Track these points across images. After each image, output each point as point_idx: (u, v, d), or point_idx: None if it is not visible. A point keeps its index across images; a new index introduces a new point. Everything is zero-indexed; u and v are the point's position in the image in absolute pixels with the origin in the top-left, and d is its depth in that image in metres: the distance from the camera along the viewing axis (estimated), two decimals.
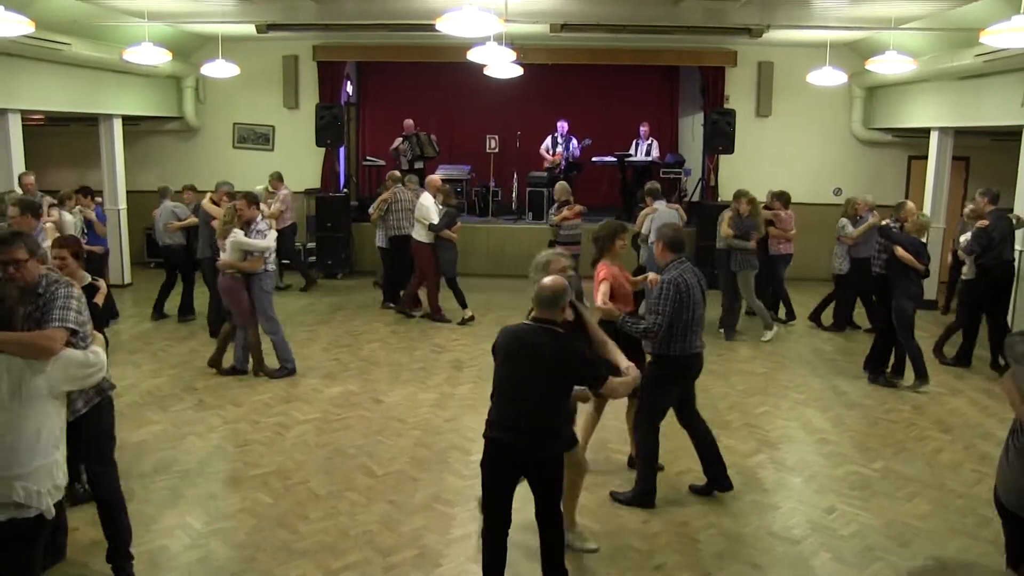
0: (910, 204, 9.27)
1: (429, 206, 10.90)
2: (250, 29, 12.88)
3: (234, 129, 15.47)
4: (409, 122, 14.85)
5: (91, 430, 4.73)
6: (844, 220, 10.72)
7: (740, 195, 10.52)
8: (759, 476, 6.49)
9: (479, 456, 6.63)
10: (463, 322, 11.10)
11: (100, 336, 4.38)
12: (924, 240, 8.77)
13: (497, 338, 4.64)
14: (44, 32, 9.75)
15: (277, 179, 12.94)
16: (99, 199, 11.61)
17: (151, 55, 10.32)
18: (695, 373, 6.04)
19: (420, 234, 10.97)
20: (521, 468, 4.49)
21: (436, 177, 11.53)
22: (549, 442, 4.47)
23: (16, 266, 3.92)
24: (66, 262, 5.09)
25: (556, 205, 11.45)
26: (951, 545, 5.43)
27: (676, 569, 5.06)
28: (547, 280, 4.54)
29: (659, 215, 10.41)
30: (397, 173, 12.39)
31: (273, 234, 8.71)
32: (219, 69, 12.18)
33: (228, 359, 8.87)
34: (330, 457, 6.71)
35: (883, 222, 9.38)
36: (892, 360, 9.03)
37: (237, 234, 8.32)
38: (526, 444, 4.40)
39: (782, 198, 11.26)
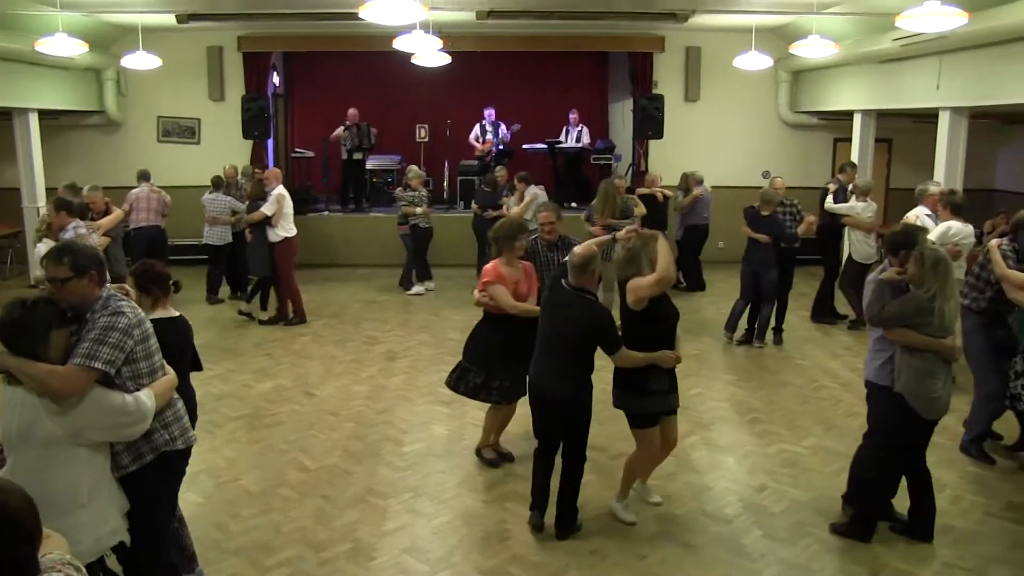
0: (778, 180, 10.81)
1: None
2: (171, 19, 12.57)
3: (158, 123, 15.09)
4: (353, 111, 14.64)
5: (133, 494, 3.66)
6: (679, 192, 12.22)
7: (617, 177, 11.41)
8: (692, 457, 6.55)
9: (412, 447, 6.68)
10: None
11: (169, 376, 3.75)
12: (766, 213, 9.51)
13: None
14: None
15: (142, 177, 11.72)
16: None
17: (65, 46, 9.95)
18: None
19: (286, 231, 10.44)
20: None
21: (277, 170, 10.96)
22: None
23: (55, 286, 3.43)
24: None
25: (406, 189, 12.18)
26: None
27: (611, 552, 5.08)
28: (578, 248, 5.17)
29: (540, 199, 11.25)
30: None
31: (93, 238, 7.54)
32: (140, 61, 11.83)
33: None
34: (262, 453, 6.60)
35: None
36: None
37: (39, 247, 7.14)
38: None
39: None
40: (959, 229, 7.69)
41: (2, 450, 3.52)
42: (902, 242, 5.09)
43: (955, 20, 7.15)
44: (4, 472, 3.36)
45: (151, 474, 3.69)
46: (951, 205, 7.82)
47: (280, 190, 10.38)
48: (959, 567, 4.94)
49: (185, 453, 3.90)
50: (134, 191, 11.54)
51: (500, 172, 12.74)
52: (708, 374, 8.74)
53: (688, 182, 12.41)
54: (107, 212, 9.58)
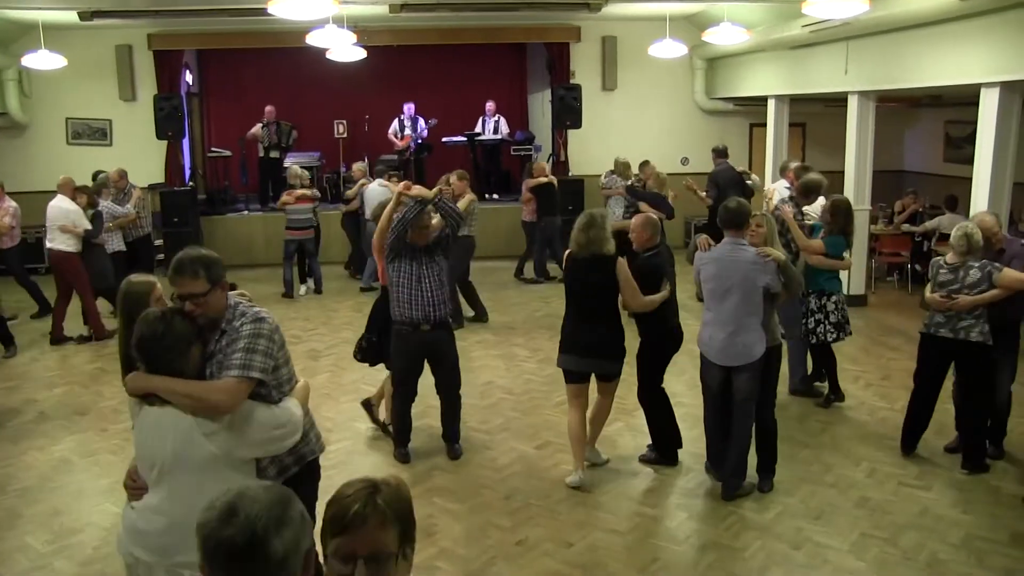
0: (651, 164, 11.14)
1: (73, 210, 9.74)
2: (74, 17, 12.17)
3: (67, 124, 14.64)
4: (270, 108, 14.45)
5: None
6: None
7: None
8: (617, 444, 6.62)
9: (338, 445, 6.63)
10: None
11: (304, 383, 3.55)
12: (664, 193, 9.99)
13: None
14: None
15: None
16: None
17: None
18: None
19: (68, 244, 9.68)
20: None
21: (69, 177, 10.11)
22: None
23: (195, 301, 3.14)
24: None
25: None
26: (798, 492, 5.69)
27: (538, 542, 5.11)
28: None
29: (370, 190, 11.39)
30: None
31: None
32: (43, 60, 11.46)
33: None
34: None
35: (628, 181, 10.97)
36: None
37: None
38: None
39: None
40: None
41: (135, 479, 3.30)
42: (746, 217, 5.65)
43: (858, 7, 7.33)
44: (157, 501, 3.13)
45: (296, 485, 3.41)
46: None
47: (54, 201, 9.72)
48: (875, 536, 5.10)
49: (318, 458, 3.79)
50: (9, 204, 10.46)
51: (358, 167, 12.74)
52: (630, 362, 8.80)
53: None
54: None
